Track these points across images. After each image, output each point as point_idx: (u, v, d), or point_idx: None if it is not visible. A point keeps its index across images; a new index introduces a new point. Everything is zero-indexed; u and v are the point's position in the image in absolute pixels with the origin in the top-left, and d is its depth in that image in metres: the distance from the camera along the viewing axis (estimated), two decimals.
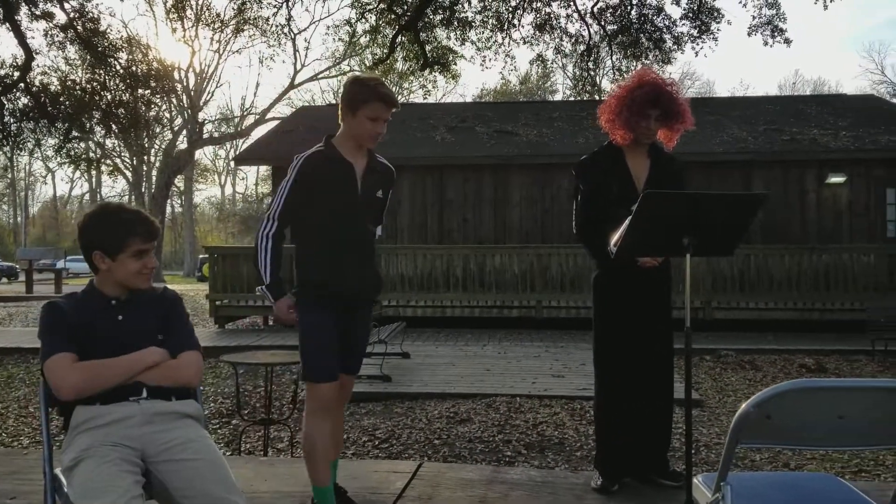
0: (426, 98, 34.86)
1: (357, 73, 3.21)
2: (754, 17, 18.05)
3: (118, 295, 2.44)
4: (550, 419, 6.26)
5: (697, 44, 18.47)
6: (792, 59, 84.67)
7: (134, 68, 21.37)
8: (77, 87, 20.39)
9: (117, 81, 21.15)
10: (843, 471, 4.86)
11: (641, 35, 18.50)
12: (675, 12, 43.49)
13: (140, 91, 21.51)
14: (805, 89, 47.70)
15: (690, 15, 18.06)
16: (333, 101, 41.63)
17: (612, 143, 3.61)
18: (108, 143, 32.05)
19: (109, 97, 21.05)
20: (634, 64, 19.36)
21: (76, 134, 22.39)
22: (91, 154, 29.27)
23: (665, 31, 18.53)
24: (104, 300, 2.43)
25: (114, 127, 21.93)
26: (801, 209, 13.95)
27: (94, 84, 20.53)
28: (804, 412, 1.90)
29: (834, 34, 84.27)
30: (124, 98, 21.25)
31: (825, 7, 17.60)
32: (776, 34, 17.93)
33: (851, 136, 14.40)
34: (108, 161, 34.07)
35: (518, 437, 5.72)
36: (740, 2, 17.30)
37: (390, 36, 19.65)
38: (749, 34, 18.30)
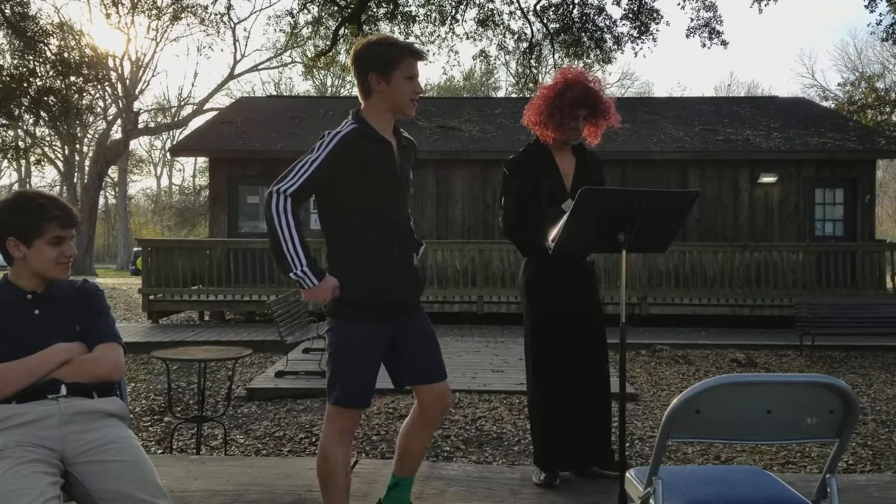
0: None
1: (367, 39, 2.80)
2: (692, 20, 18.53)
3: (34, 288, 2.33)
4: (489, 414, 6.28)
5: (637, 44, 18.84)
6: (727, 62, 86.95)
7: (66, 55, 20.70)
8: (4, 73, 19.63)
9: (47, 68, 20.45)
10: (771, 462, 5.00)
11: (583, 34, 18.75)
12: (615, 12, 44.06)
13: (72, 78, 20.84)
14: (739, 91, 49.00)
15: (630, 15, 18.39)
16: (274, 93, 41.07)
17: (538, 140, 3.63)
18: (38, 131, 30.94)
19: (39, 84, 20.33)
20: (576, 62, 19.61)
21: (3, 121, 21.58)
22: (20, 143, 28.20)
23: (606, 30, 18.83)
24: (19, 294, 2.32)
25: (43, 115, 21.20)
26: (734, 208, 14.31)
27: (23, 70, 19.80)
28: (733, 407, 1.94)
29: (768, 39, 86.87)
30: (55, 85, 20.55)
31: (760, 11, 18.13)
32: (713, 36, 18.42)
33: (783, 137, 14.84)
34: (38, 150, 32.90)
35: (456, 433, 5.73)
36: (679, 4, 17.71)
37: (333, 28, 19.47)
38: (687, 36, 18.76)
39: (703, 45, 18.60)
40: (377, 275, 2.61)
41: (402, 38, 20.02)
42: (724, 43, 18.46)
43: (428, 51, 21.73)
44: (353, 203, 2.62)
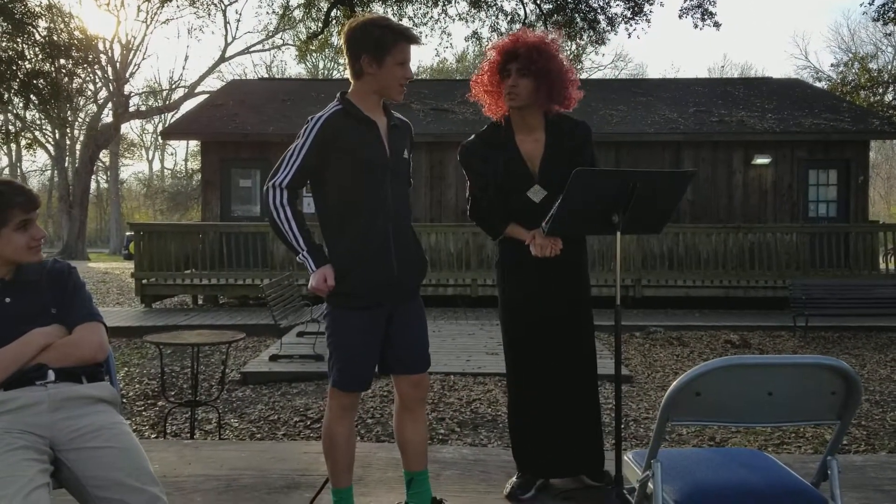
0: None
1: (361, 18, 2.68)
2: (685, 0, 18.41)
3: (2, 276, 2.26)
4: (484, 396, 6.27)
5: (631, 25, 18.75)
6: (721, 44, 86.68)
7: (55, 37, 20.47)
8: None
9: (36, 50, 20.23)
10: (766, 443, 5.00)
11: (576, 15, 18.63)
12: None
13: (61, 61, 20.63)
14: (733, 73, 48.75)
15: None
16: (266, 76, 40.76)
17: (497, 122, 3.17)
18: (29, 115, 30.66)
19: (28, 67, 20.12)
20: (570, 44, 19.48)
21: None
22: (10, 127, 27.95)
23: (599, 11, 18.71)
24: None
25: (33, 98, 21.00)
26: (728, 189, 14.29)
27: (11, 53, 19.58)
28: (734, 389, 1.91)
29: (761, 20, 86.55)
30: (44, 68, 20.35)
31: None
32: (706, 17, 18.35)
33: (776, 118, 14.80)
34: (29, 134, 32.64)
35: (451, 415, 5.71)
36: None
37: (325, 9, 19.31)
38: (680, 16, 18.66)
39: (696, 27, 18.55)
40: (363, 260, 2.60)
41: (395, 19, 19.94)
42: (717, 24, 18.40)
43: (420, 32, 21.56)
44: (340, 185, 2.61)
